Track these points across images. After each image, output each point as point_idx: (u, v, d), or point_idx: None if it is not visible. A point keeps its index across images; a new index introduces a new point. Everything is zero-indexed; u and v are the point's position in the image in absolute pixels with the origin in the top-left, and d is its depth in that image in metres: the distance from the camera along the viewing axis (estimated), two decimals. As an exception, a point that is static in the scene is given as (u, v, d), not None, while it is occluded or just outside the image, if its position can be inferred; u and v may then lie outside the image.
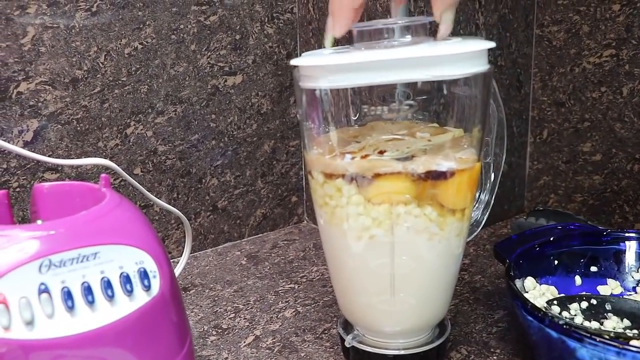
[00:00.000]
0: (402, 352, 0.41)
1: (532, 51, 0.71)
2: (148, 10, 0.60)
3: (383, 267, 0.38)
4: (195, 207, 0.68)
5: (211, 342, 0.48)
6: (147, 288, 0.33)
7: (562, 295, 0.46)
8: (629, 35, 0.63)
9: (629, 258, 0.48)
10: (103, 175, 0.39)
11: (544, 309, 0.42)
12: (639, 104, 0.64)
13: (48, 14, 0.54)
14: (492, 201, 0.44)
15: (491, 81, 0.38)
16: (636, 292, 0.47)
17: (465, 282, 0.56)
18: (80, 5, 0.56)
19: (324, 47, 0.39)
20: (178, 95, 0.64)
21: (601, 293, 0.47)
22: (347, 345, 0.42)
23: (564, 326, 0.35)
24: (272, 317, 0.52)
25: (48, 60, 0.55)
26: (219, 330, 0.50)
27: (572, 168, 0.71)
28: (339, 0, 0.36)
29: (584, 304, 0.44)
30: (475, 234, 0.44)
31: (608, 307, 0.43)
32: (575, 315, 0.43)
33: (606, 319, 0.42)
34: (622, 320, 0.42)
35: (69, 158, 0.58)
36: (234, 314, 0.53)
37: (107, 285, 0.31)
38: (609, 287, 0.47)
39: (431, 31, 0.38)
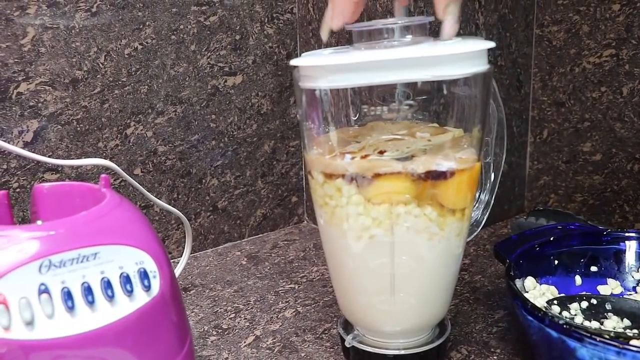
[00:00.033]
0: (402, 352, 0.41)
1: (532, 51, 0.71)
2: (148, 10, 0.60)
3: (383, 267, 0.38)
4: (196, 208, 0.68)
5: (211, 342, 0.48)
6: (147, 288, 0.33)
7: (562, 295, 0.46)
8: (629, 35, 0.63)
9: (629, 258, 0.48)
10: (103, 175, 0.39)
11: (544, 309, 0.42)
12: (639, 103, 0.64)
13: (48, 15, 0.54)
14: (492, 201, 0.44)
15: (491, 81, 0.38)
16: (636, 292, 0.47)
17: (465, 282, 0.56)
18: (80, 6, 0.56)
19: (322, 42, 0.39)
20: (178, 96, 0.64)
21: (601, 293, 0.47)
22: (348, 345, 0.42)
23: (564, 326, 0.35)
24: (272, 317, 0.52)
25: (48, 61, 0.55)
26: (219, 331, 0.50)
27: (572, 168, 0.71)
28: None
29: (584, 304, 0.44)
30: (475, 234, 0.44)
31: (608, 306, 0.43)
32: (575, 315, 0.43)
33: (606, 318, 0.42)
34: (622, 320, 0.42)
35: (69, 158, 0.58)
36: (234, 314, 0.53)
37: (107, 285, 0.32)
38: (609, 287, 0.47)
39: (431, 31, 0.38)
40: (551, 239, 0.48)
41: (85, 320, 0.30)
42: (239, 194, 0.71)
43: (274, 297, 0.56)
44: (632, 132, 0.65)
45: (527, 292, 0.45)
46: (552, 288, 0.46)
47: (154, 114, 0.62)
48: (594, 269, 0.48)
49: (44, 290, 0.30)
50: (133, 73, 0.60)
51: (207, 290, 0.58)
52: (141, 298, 0.33)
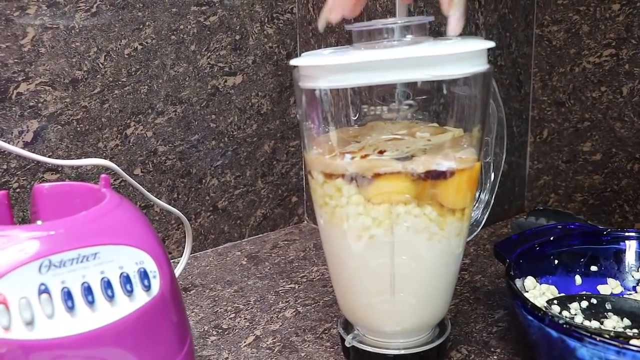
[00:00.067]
0: (403, 352, 0.41)
1: (532, 51, 0.71)
2: (148, 10, 0.60)
3: (383, 266, 0.38)
4: (196, 208, 0.68)
5: (211, 342, 0.48)
6: (147, 288, 0.33)
7: (562, 294, 0.46)
8: (629, 34, 0.63)
9: (629, 257, 0.48)
10: (103, 175, 0.39)
11: (544, 309, 0.42)
12: (638, 103, 0.64)
13: (48, 15, 0.54)
14: (492, 201, 0.44)
15: (491, 81, 0.38)
16: (636, 292, 0.47)
17: (465, 282, 0.56)
18: (80, 6, 0.56)
19: (319, 32, 0.39)
20: (178, 96, 0.64)
21: (601, 292, 0.47)
22: (348, 345, 0.42)
23: (564, 325, 0.35)
24: (272, 317, 0.52)
25: (48, 61, 0.55)
26: (219, 331, 0.50)
27: (572, 168, 0.71)
28: None
29: (584, 304, 0.44)
30: (476, 233, 0.44)
31: (608, 306, 0.43)
32: (575, 314, 0.43)
33: (606, 318, 0.42)
34: (622, 320, 0.42)
35: (69, 159, 0.58)
36: (234, 314, 0.53)
37: (107, 285, 0.32)
38: (609, 287, 0.47)
39: (431, 31, 0.38)
40: (551, 238, 0.48)
41: (85, 320, 0.30)
42: (239, 194, 0.71)
43: (274, 297, 0.56)
44: (632, 132, 0.65)
45: (527, 291, 0.45)
46: (552, 288, 0.46)
47: (154, 114, 0.62)
48: (594, 268, 0.48)
49: (44, 290, 0.30)
50: (133, 73, 0.60)
51: (207, 290, 0.58)
52: (141, 298, 0.33)
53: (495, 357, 0.44)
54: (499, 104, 0.42)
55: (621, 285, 0.47)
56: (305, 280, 0.59)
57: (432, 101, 0.39)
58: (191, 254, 0.62)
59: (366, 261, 0.39)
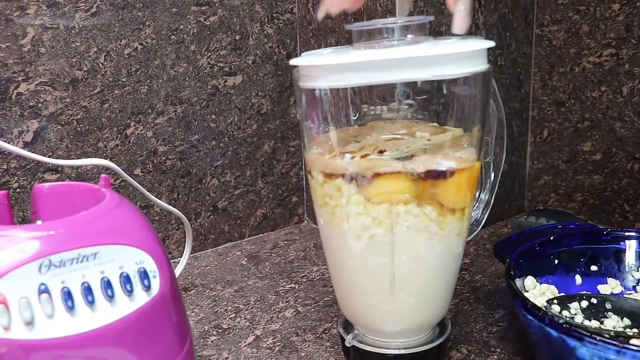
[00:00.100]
0: (403, 352, 0.41)
1: (532, 51, 0.71)
2: (148, 10, 0.60)
3: (383, 266, 0.38)
4: (196, 208, 0.68)
5: (211, 342, 0.48)
6: (147, 288, 0.33)
7: (562, 294, 0.46)
8: (629, 34, 0.63)
9: (629, 257, 0.48)
10: (103, 175, 0.39)
11: (544, 308, 0.42)
12: (639, 103, 0.64)
13: (48, 15, 0.54)
14: (492, 200, 0.44)
15: (491, 80, 0.38)
16: (636, 291, 0.47)
17: (465, 282, 0.56)
18: (79, 6, 0.56)
19: (317, 21, 0.39)
20: (178, 96, 0.64)
21: (601, 292, 0.47)
22: (348, 345, 0.42)
23: (564, 325, 0.35)
24: (272, 317, 0.52)
25: (48, 61, 0.55)
26: (220, 330, 0.50)
27: (572, 167, 0.71)
28: None
29: (584, 303, 0.44)
30: (476, 233, 0.44)
31: (608, 306, 0.43)
32: (575, 314, 0.43)
33: (606, 317, 0.42)
34: (622, 319, 0.42)
35: (69, 158, 0.58)
36: (234, 314, 0.53)
37: (107, 285, 0.32)
38: (609, 286, 0.47)
39: (431, 31, 0.38)
40: (551, 238, 0.48)
41: (85, 320, 0.30)
42: (239, 194, 0.71)
43: (274, 297, 0.56)
44: (632, 132, 0.65)
45: (527, 291, 0.45)
46: (552, 287, 0.46)
47: (154, 114, 0.62)
48: (594, 268, 0.48)
49: (44, 290, 0.30)
50: (133, 73, 0.60)
51: (208, 290, 0.58)
52: (141, 298, 0.33)
53: (495, 356, 0.44)
54: (499, 103, 0.42)
55: (621, 284, 0.47)
56: (305, 280, 0.59)
57: (432, 101, 0.39)
58: (191, 254, 0.62)
59: (366, 261, 0.39)
